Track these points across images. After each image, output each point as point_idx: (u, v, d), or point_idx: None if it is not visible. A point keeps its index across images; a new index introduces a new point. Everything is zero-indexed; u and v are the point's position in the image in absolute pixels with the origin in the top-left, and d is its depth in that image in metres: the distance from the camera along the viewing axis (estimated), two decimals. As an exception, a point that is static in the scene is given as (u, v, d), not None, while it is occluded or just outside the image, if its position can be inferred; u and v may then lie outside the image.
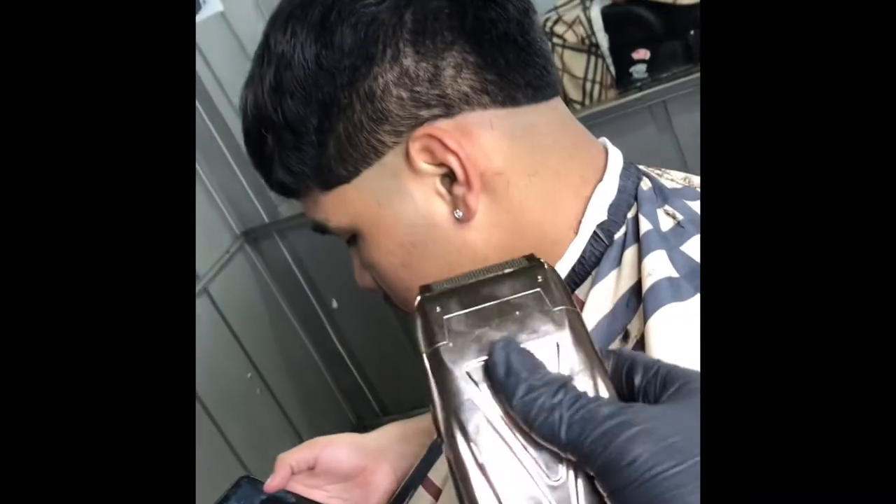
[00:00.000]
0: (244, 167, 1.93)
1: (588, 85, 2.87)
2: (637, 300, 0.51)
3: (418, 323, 0.37)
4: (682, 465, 0.29)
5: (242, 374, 1.94)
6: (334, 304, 2.09)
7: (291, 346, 2.10)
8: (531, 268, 0.38)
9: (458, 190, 0.54)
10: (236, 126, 1.92)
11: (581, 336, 0.36)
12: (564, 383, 0.33)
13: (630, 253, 0.54)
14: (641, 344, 0.49)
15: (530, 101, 0.55)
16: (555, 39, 2.91)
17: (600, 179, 0.57)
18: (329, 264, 2.02)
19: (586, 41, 2.85)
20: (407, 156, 0.53)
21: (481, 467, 0.33)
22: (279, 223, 1.98)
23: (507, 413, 0.34)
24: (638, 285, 0.52)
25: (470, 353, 0.35)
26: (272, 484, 0.72)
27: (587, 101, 2.87)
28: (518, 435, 0.34)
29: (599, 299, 0.54)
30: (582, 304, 0.54)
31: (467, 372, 0.35)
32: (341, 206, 0.57)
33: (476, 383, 0.35)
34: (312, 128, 0.54)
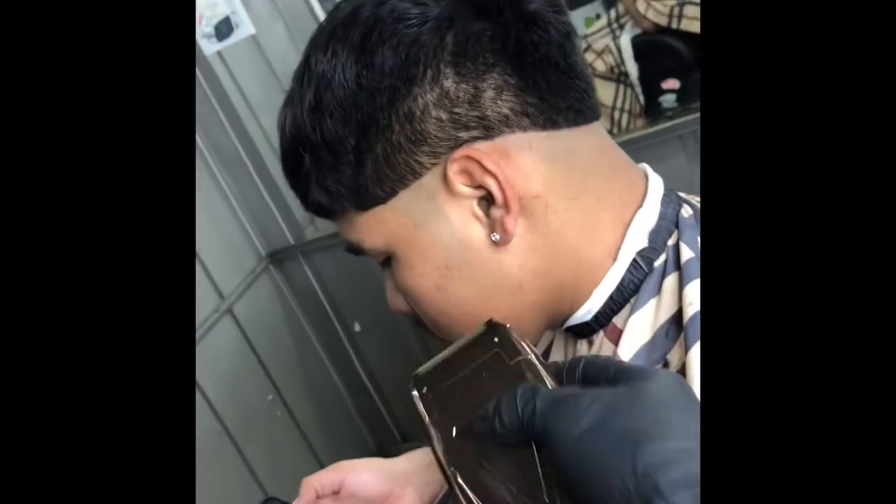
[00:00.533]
0: (271, 188, 1.93)
1: (617, 114, 2.87)
2: (677, 329, 0.50)
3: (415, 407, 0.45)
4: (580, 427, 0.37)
5: (264, 396, 1.94)
6: (357, 328, 2.09)
7: (313, 369, 2.10)
8: (488, 332, 0.46)
9: (496, 213, 0.53)
10: (265, 147, 1.94)
11: (539, 377, 0.43)
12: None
13: (671, 281, 0.53)
14: (682, 374, 0.48)
15: (570, 125, 0.55)
16: (584, 68, 2.90)
17: (640, 205, 0.57)
18: (353, 288, 2.02)
19: (615, 70, 2.85)
20: (444, 177, 0.53)
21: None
22: (304, 245, 1.99)
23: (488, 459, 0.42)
24: (679, 314, 0.51)
25: (457, 418, 0.44)
26: None
27: (615, 130, 2.86)
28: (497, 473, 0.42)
29: (638, 328, 0.53)
30: (620, 332, 0.54)
31: (455, 434, 0.44)
32: (376, 226, 0.56)
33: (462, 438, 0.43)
34: (350, 148, 0.54)
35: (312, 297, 2.06)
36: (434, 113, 0.52)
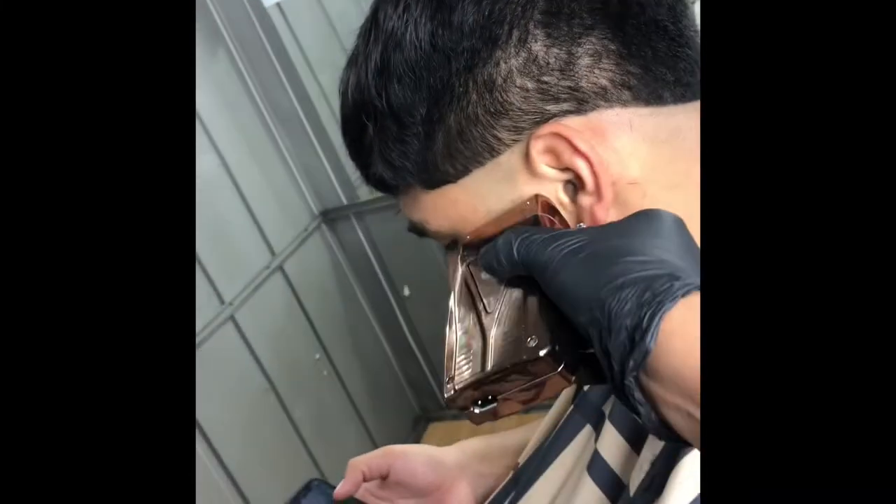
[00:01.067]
0: (326, 147, 1.91)
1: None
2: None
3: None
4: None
5: (311, 355, 1.94)
6: (406, 292, 2.07)
7: (361, 330, 2.09)
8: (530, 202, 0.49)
9: (585, 200, 0.46)
10: (322, 105, 1.91)
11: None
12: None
13: None
14: None
15: (678, 101, 0.47)
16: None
17: None
18: (404, 251, 1.99)
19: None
20: (526, 156, 0.46)
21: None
22: (357, 206, 1.96)
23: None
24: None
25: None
26: (342, 490, 0.68)
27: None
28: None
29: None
30: None
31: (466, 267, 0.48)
32: (444, 207, 0.50)
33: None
34: (420, 118, 0.47)
35: (363, 259, 2.04)
36: (519, 81, 0.45)
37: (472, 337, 0.44)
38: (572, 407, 0.58)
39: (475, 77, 0.46)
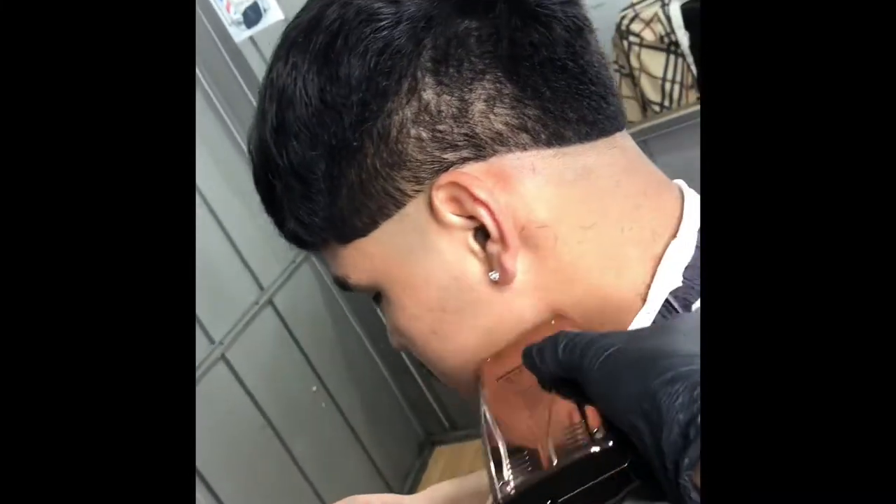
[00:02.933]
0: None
1: (668, 85, 2.77)
2: None
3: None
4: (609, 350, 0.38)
5: (307, 387, 1.91)
6: (401, 316, 2.05)
7: (357, 357, 2.06)
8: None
9: (493, 248, 0.45)
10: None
11: None
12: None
13: None
14: None
15: (584, 139, 0.46)
16: (631, 38, 2.81)
17: (675, 234, 0.47)
18: (395, 275, 1.97)
19: (665, 39, 2.74)
20: (431, 206, 0.45)
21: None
22: (344, 233, 1.95)
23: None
24: None
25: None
26: None
27: (667, 102, 2.76)
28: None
29: None
30: None
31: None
32: (360, 261, 0.48)
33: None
34: (321, 174, 0.46)
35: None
36: (413, 131, 0.44)
37: (520, 440, 0.42)
38: None
39: (369, 130, 0.44)
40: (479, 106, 0.44)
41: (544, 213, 0.45)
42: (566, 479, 0.39)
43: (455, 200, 0.44)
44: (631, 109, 2.94)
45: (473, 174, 0.44)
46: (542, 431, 0.41)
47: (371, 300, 0.52)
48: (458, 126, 0.44)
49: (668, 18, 2.75)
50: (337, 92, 0.44)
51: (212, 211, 1.77)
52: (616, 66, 2.93)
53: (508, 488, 0.40)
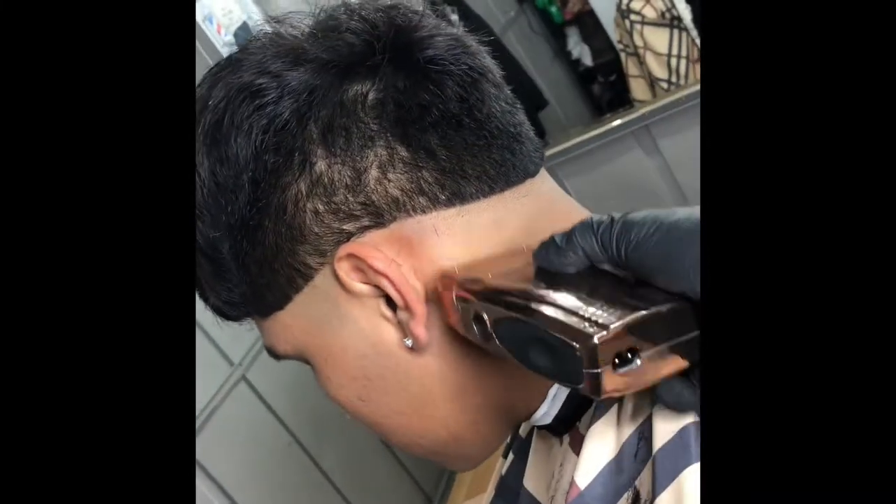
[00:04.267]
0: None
1: (673, 61, 2.73)
2: (648, 450, 0.40)
3: None
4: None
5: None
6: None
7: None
8: None
9: (402, 315, 0.44)
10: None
11: None
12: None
13: None
14: None
15: (489, 194, 0.45)
16: (633, 16, 2.77)
17: None
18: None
19: (667, 15, 2.71)
20: (337, 277, 0.44)
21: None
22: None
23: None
24: (649, 427, 0.40)
25: None
26: None
27: (674, 78, 2.72)
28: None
29: (602, 439, 0.43)
30: (582, 439, 0.44)
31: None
32: (281, 333, 0.48)
33: None
34: (227, 253, 0.46)
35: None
36: (309, 204, 0.43)
37: (591, 295, 0.38)
38: (494, 493, 0.58)
39: (265, 208, 0.44)
40: (373, 173, 0.43)
41: (456, 271, 0.44)
42: (651, 330, 0.36)
43: (359, 270, 0.43)
44: (639, 88, 2.91)
45: (372, 244, 0.43)
46: (614, 290, 0.38)
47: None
48: (353, 196, 0.43)
49: (669, -7, 2.71)
50: (227, 173, 0.44)
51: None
52: (620, 46, 2.90)
53: (594, 329, 0.35)
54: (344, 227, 0.43)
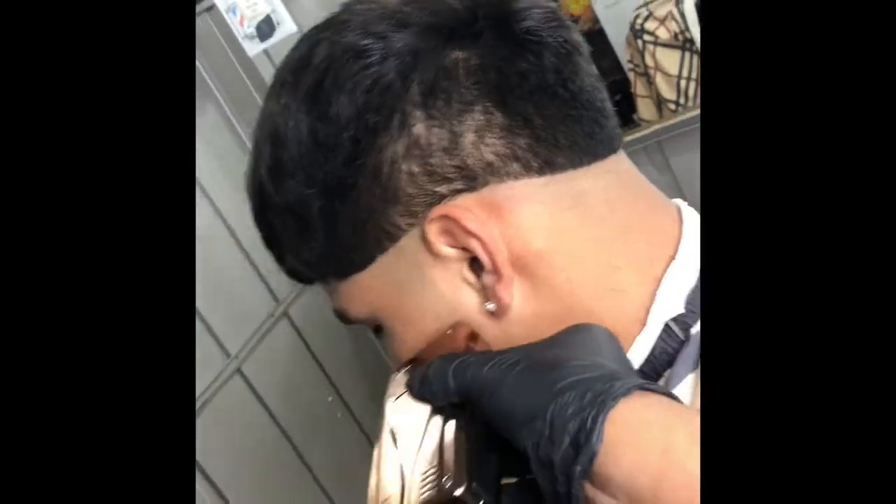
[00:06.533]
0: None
1: (683, 83, 2.74)
2: None
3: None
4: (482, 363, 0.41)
5: (323, 398, 1.91)
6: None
7: (373, 366, 2.06)
8: None
9: (487, 279, 0.45)
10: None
11: None
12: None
13: None
14: None
15: (577, 165, 0.46)
16: (646, 37, 2.78)
17: (673, 257, 0.47)
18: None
19: (680, 37, 2.71)
20: (425, 240, 0.45)
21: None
22: (359, 243, 1.94)
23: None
24: None
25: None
26: None
27: (682, 100, 2.73)
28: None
29: None
30: None
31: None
32: (359, 295, 0.49)
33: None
34: (317, 212, 0.46)
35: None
36: (405, 166, 0.44)
37: (391, 483, 0.42)
38: None
39: (361, 167, 0.45)
40: (469, 137, 0.44)
41: (539, 241, 0.45)
42: None
43: (448, 233, 0.44)
44: (647, 109, 2.91)
45: (465, 206, 0.44)
46: (408, 472, 0.42)
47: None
48: (449, 158, 0.44)
49: (683, 15, 2.72)
50: (328, 131, 0.45)
51: (227, 225, 1.77)
52: (631, 66, 2.91)
53: None
54: (437, 189, 0.44)
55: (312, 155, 0.45)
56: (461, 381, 0.41)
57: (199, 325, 1.64)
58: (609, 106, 0.49)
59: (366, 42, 0.44)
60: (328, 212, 0.46)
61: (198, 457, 1.54)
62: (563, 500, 0.35)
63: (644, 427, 0.33)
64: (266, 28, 1.71)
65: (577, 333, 0.42)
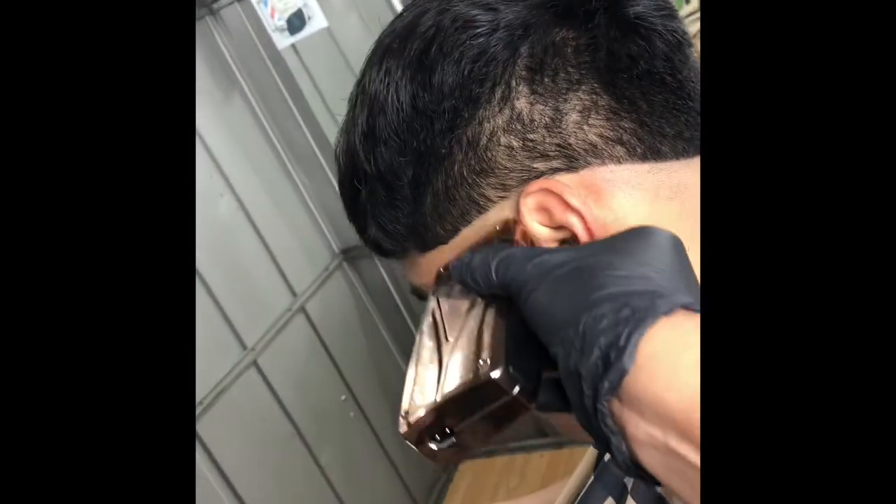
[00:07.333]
0: (345, 185, 1.89)
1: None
2: None
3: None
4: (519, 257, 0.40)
5: (337, 397, 1.90)
6: (432, 328, 2.03)
7: (386, 368, 2.05)
8: None
9: None
10: (338, 143, 1.90)
11: None
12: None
13: None
14: None
15: (680, 156, 0.45)
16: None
17: None
18: (428, 286, 1.96)
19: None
20: (516, 214, 0.44)
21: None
22: (378, 243, 1.94)
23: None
24: None
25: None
26: None
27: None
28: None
29: None
30: None
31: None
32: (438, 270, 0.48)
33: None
34: (408, 180, 0.46)
35: (386, 296, 2.01)
36: (504, 139, 0.44)
37: (429, 368, 0.41)
38: (593, 477, 0.55)
39: (459, 137, 0.44)
40: (573, 116, 0.43)
41: None
42: (459, 409, 0.39)
43: (543, 209, 0.44)
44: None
45: (566, 183, 0.43)
46: (447, 357, 0.41)
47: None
48: (550, 136, 0.43)
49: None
50: (429, 98, 0.44)
51: (248, 216, 1.77)
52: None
53: (403, 419, 0.40)
54: (535, 165, 0.44)
55: (410, 122, 0.45)
56: (502, 275, 0.40)
57: (217, 315, 1.64)
58: None
59: (475, 13, 0.44)
60: (418, 181, 0.46)
61: (209, 444, 1.53)
62: (590, 412, 0.34)
63: (683, 348, 0.32)
64: (297, 22, 1.72)
65: (635, 239, 0.40)
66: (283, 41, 1.72)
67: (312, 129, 1.85)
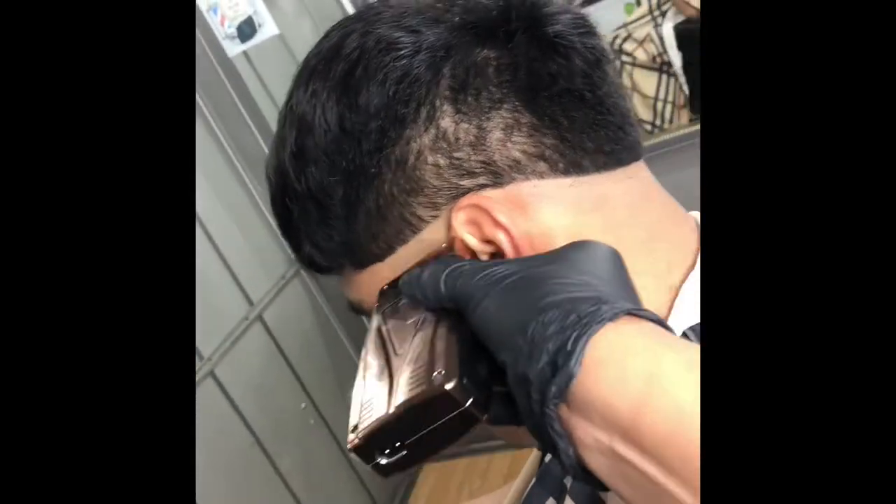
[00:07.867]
0: (300, 191, 1.89)
1: (659, 105, 2.78)
2: None
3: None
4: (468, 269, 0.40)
5: (296, 404, 1.90)
6: (391, 332, 2.03)
7: (346, 374, 2.05)
8: None
9: None
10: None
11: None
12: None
13: None
14: None
15: (601, 169, 0.46)
16: (624, 57, 2.82)
17: (692, 266, 0.47)
18: (386, 291, 1.96)
19: (657, 59, 2.75)
20: (448, 230, 0.45)
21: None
22: (335, 249, 1.94)
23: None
24: None
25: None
26: None
27: (658, 122, 2.77)
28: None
29: None
30: None
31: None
32: (376, 286, 0.49)
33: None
34: (339, 199, 0.47)
35: (345, 301, 2.01)
36: (431, 158, 0.45)
37: (378, 382, 0.41)
38: (534, 479, 0.56)
39: (387, 157, 0.45)
40: (496, 134, 0.44)
41: (562, 241, 0.44)
42: (411, 423, 0.38)
43: (474, 223, 0.44)
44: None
45: (494, 198, 0.44)
46: (397, 371, 0.41)
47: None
48: (475, 153, 0.44)
49: (661, 38, 2.76)
50: (356, 119, 0.45)
51: (202, 225, 1.76)
52: (608, 85, 2.94)
53: (352, 435, 0.40)
54: (462, 182, 0.45)
55: (338, 142, 0.46)
56: (451, 288, 0.41)
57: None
58: (633, 114, 0.49)
59: (398, 35, 0.45)
60: (350, 200, 0.46)
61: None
62: (538, 419, 0.34)
63: (629, 353, 0.33)
64: (247, 29, 1.71)
65: (577, 250, 0.41)
66: (233, 49, 1.71)
67: (265, 136, 1.84)
